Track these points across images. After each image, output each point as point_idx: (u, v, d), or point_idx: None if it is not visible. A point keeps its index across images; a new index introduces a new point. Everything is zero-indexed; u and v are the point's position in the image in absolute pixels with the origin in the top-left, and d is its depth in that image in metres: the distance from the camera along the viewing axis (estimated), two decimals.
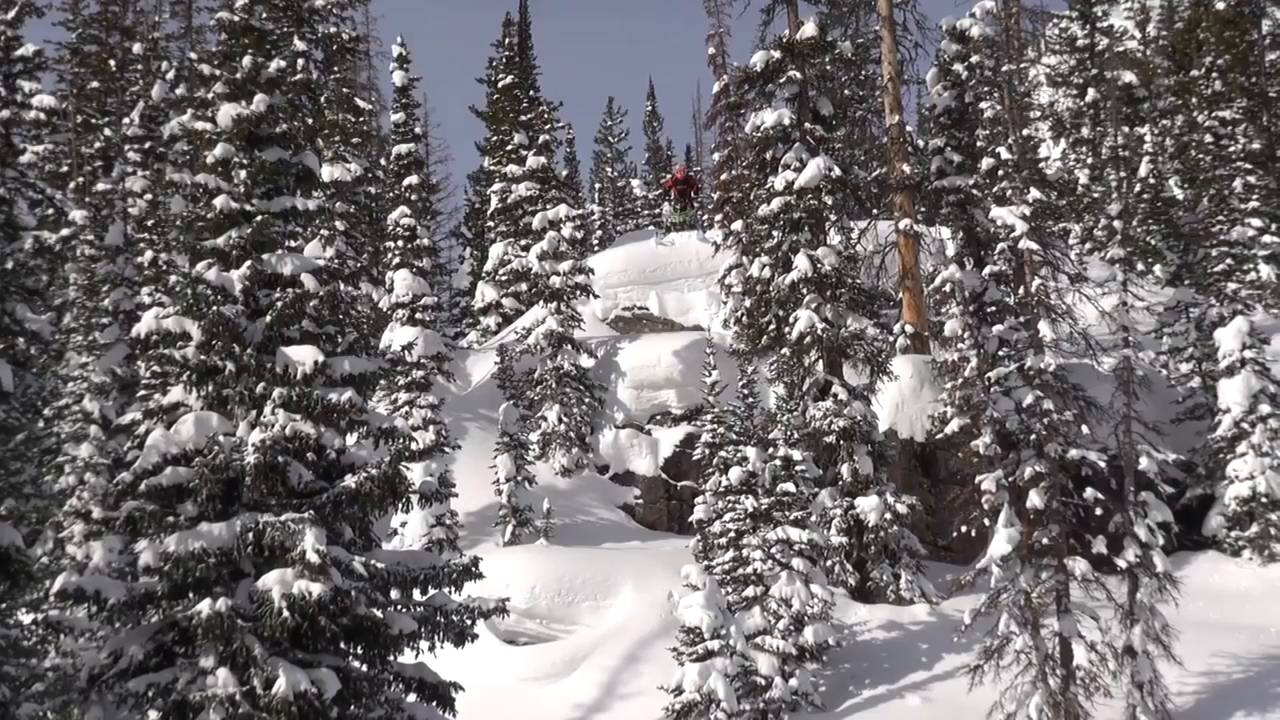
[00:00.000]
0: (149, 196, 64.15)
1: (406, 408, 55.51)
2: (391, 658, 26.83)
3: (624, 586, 49.91)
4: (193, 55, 68.51)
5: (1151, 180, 66.79)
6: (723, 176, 62.18)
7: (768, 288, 51.37)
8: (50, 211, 55.80)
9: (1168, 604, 39.14)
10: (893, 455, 51.57)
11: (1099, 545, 39.47)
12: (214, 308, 27.24)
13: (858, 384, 51.27)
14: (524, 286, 73.12)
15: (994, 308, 43.25)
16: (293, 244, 29.61)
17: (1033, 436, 40.24)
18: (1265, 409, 50.69)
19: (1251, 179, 58.54)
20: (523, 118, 79.72)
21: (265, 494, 25.79)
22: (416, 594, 26.96)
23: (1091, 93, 78.16)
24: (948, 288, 44.52)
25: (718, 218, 62.93)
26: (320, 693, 24.27)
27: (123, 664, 25.90)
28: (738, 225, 57.33)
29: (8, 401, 30.03)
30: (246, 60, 29.96)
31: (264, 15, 31.35)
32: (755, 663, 43.14)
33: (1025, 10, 78.57)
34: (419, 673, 26.77)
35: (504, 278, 76.30)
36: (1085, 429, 42.60)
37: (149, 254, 59.39)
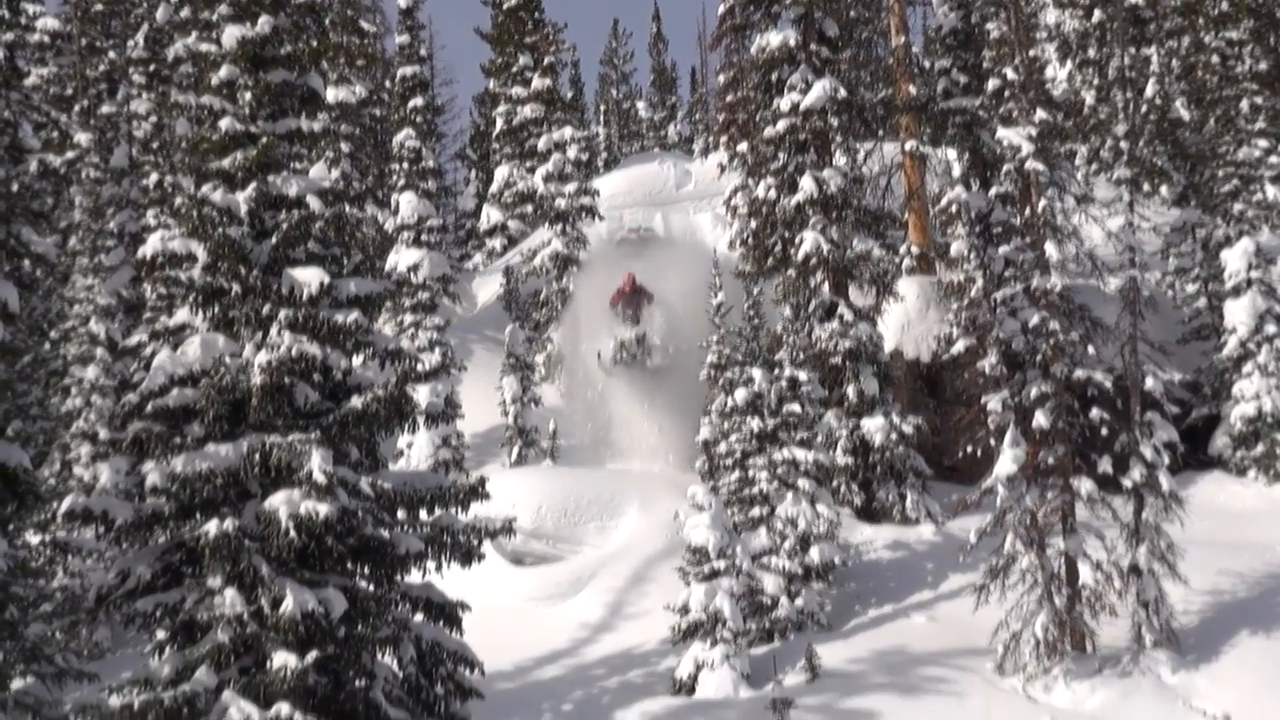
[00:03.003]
0: (154, 119, 64.11)
1: (412, 329, 55.52)
2: (399, 578, 26.91)
3: (630, 507, 50.06)
4: None
5: (1158, 101, 66.55)
6: (728, 98, 61.93)
7: (773, 209, 51.30)
8: (55, 134, 55.74)
9: (1173, 523, 39.20)
10: (898, 376, 51.62)
11: (1104, 465, 39.51)
12: (219, 229, 27.22)
13: (863, 305, 51.23)
14: (529, 209, 73.05)
15: (1000, 228, 43.11)
16: (298, 166, 29.57)
17: (1038, 357, 40.23)
18: (1271, 329, 50.67)
19: (1258, 100, 58.24)
20: (528, 40, 79.30)
21: (272, 415, 25.83)
22: (423, 514, 27.03)
23: (1098, 13, 77.74)
24: (954, 209, 44.40)
25: (723, 139, 62.70)
26: (327, 612, 24.37)
27: (130, 584, 25.99)
28: (743, 147, 57.10)
29: (14, 324, 30.06)
30: None
31: None
32: (761, 582, 43.32)
33: None
34: (426, 592, 26.87)
35: (509, 200, 76.14)
36: (1091, 349, 42.56)
37: (154, 176, 59.42)
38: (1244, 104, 58.28)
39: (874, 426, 48.51)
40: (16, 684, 29.58)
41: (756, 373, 45.57)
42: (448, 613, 26.75)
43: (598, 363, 55.62)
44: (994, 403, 40.31)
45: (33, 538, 33.28)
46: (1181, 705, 37.40)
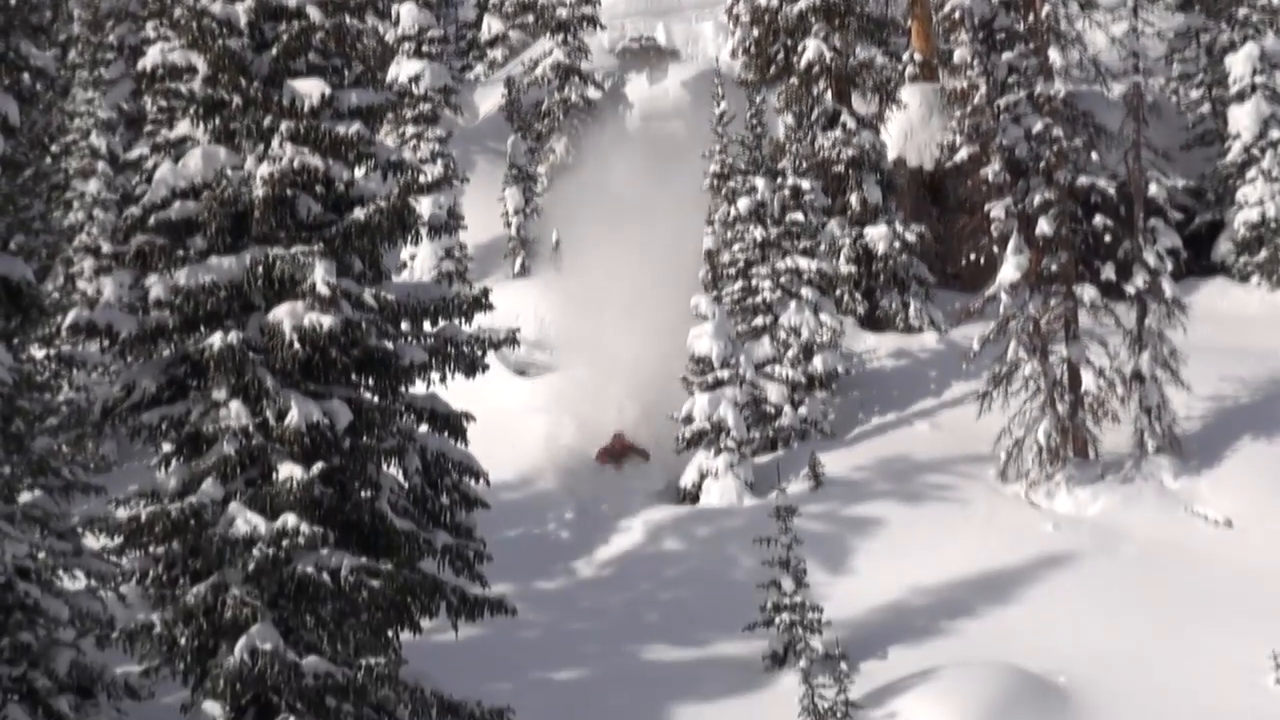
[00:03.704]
0: None
1: (414, 141, 55.22)
2: (403, 389, 26.97)
3: (634, 316, 50.11)
4: None
5: None
6: None
7: (775, 17, 50.90)
8: None
9: (1176, 329, 39.29)
10: (901, 184, 51.43)
11: (1108, 272, 39.56)
12: (219, 40, 26.96)
13: (866, 113, 51.00)
14: (530, 19, 72.28)
15: (1003, 34, 42.68)
16: None
17: (1042, 164, 40.10)
18: (1275, 134, 50.40)
19: None
20: None
21: (274, 227, 25.77)
22: (427, 325, 27.02)
23: None
24: (957, 15, 43.90)
25: None
26: (332, 423, 24.46)
27: (135, 397, 26.07)
28: None
29: (14, 138, 29.87)
30: None
31: None
32: (764, 391, 43.50)
33: None
34: (430, 403, 26.94)
35: (510, 10, 75.28)
36: (1094, 156, 42.44)
37: None
38: None
39: (877, 235, 48.42)
40: (24, 497, 29.73)
41: (759, 182, 45.46)
42: (452, 423, 26.84)
43: None
44: (997, 210, 40.23)
45: (38, 352, 33.28)
46: (1183, 510, 37.71)
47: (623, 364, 45.65)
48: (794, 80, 49.97)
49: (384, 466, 26.19)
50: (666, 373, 44.49)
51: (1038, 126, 39.79)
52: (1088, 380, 39.55)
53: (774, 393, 43.47)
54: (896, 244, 48.27)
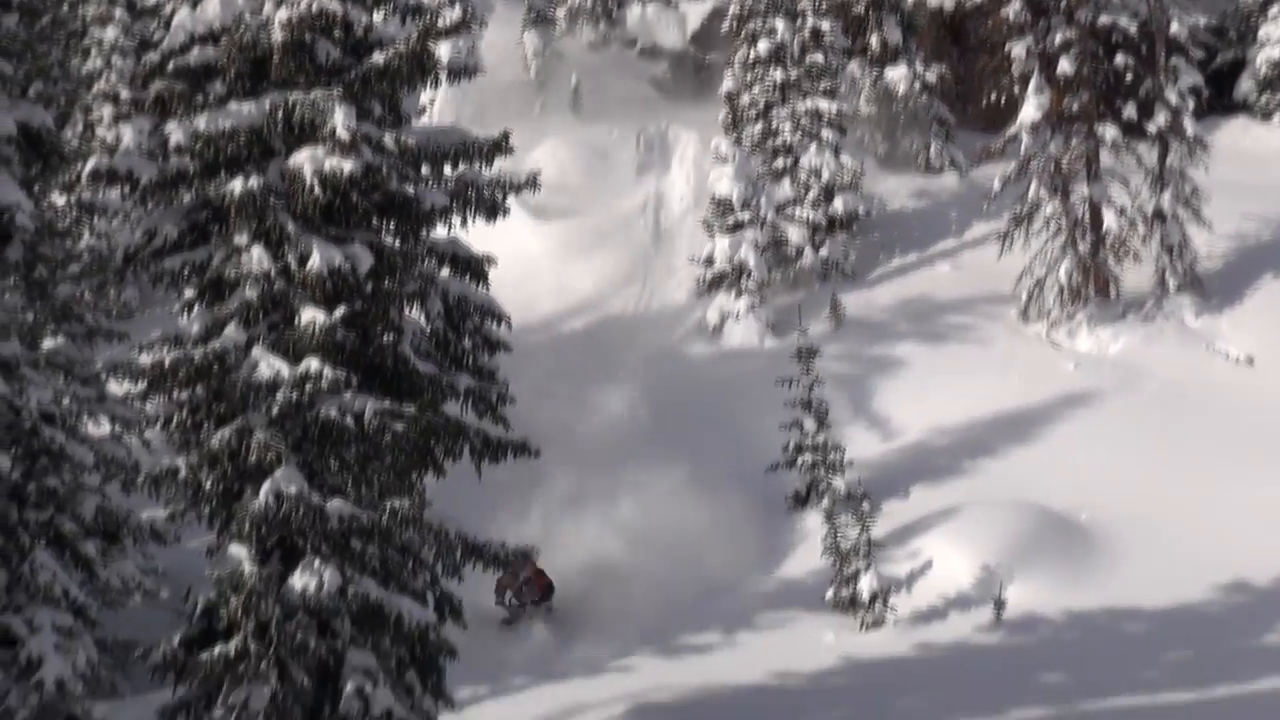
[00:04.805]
0: None
1: None
2: (424, 233, 26.88)
3: (652, 160, 50.03)
4: None
5: None
6: None
7: None
8: None
9: (1197, 168, 39.17)
10: (921, 24, 51.08)
11: (1129, 111, 39.36)
12: None
13: None
14: None
15: None
16: None
17: (1063, 2, 39.81)
18: None
19: None
20: None
21: (293, 72, 25.58)
22: (447, 169, 26.87)
23: None
24: None
25: None
26: (354, 268, 24.41)
27: (157, 243, 26.02)
28: None
29: None
30: None
31: None
32: (785, 233, 43.48)
33: None
34: (452, 247, 26.85)
35: None
36: None
37: None
38: None
39: (897, 75, 48.20)
40: (48, 343, 29.87)
41: (779, 23, 45.16)
42: (474, 267, 26.77)
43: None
44: (1018, 49, 40.01)
45: (58, 199, 33.34)
46: (1204, 348, 37.76)
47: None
48: None
49: (406, 310, 26.17)
50: None
51: None
52: (1109, 219, 39.48)
53: (795, 234, 43.45)
54: (917, 85, 48.07)
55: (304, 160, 24.33)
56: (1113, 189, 39.48)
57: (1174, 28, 39.14)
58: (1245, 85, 51.15)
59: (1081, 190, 39.64)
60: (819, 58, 44.33)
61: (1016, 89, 40.44)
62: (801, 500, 34.78)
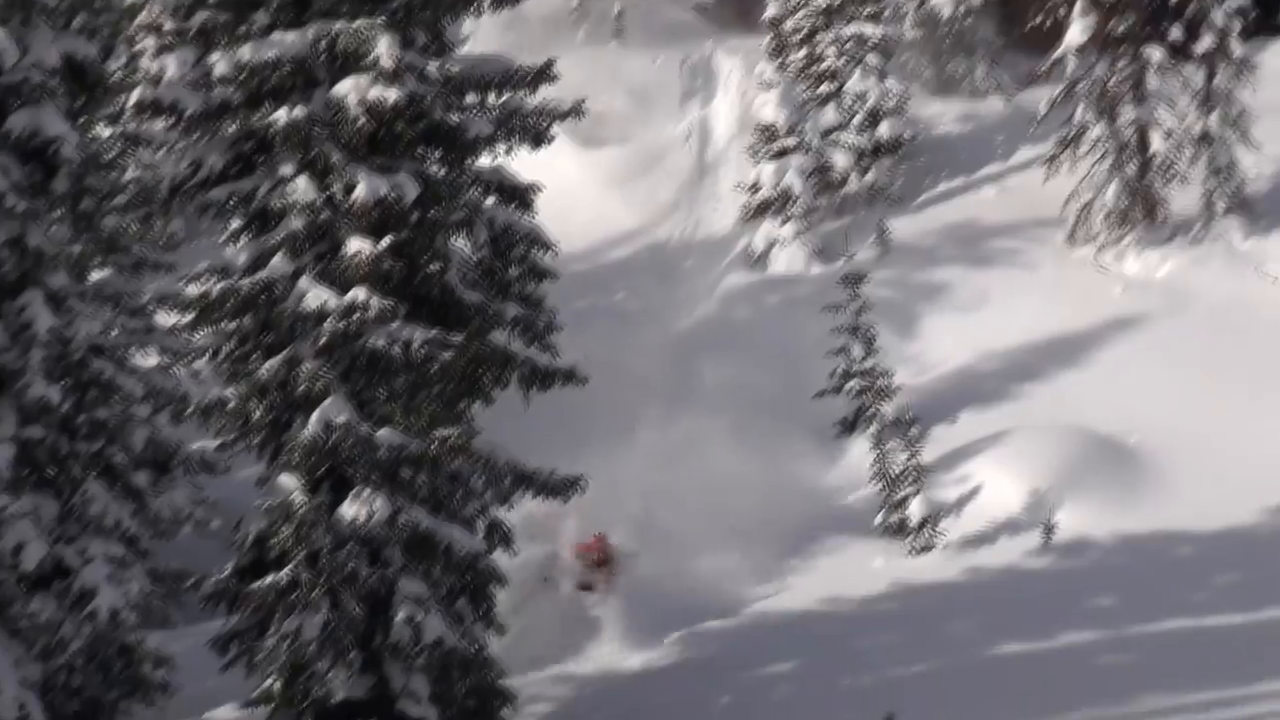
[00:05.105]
0: None
1: None
2: (469, 162, 26.88)
3: (696, 87, 49.96)
4: None
5: None
6: None
7: None
8: None
9: (1244, 90, 38.81)
10: None
11: (1175, 33, 39.01)
12: None
13: None
14: None
15: None
16: None
17: None
18: None
19: None
20: None
21: (336, 1, 25.59)
22: (492, 98, 26.88)
23: None
24: None
25: None
26: (400, 197, 24.39)
27: (203, 174, 26.03)
28: None
29: None
30: None
31: None
32: (830, 159, 43.29)
33: None
34: (497, 175, 26.83)
35: None
36: None
37: None
38: None
39: None
40: (95, 275, 29.96)
41: None
42: (519, 195, 26.74)
43: None
44: None
45: (104, 131, 33.35)
46: (1253, 271, 37.51)
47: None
48: None
49: (452, 239, 26.18)
50: None
51: None
52: (1156, 142, 39.22)
53: (840, 160, 43.28)
54: (962, 8, 47.75)
55: (348, 90, 24.32)
56: (1159, 111, 39.21)
57: None
58: None
59: (1128, 113, 39.38)
60: None
61: (1062, 11, 40.15)
62: (849, 427, 34.80)
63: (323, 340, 23.50)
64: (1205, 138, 38.68)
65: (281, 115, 24.32)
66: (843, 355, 33.76)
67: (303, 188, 24.38)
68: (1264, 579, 26.59)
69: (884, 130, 43.48)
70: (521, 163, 26.55)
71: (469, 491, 25.16)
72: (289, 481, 23.65)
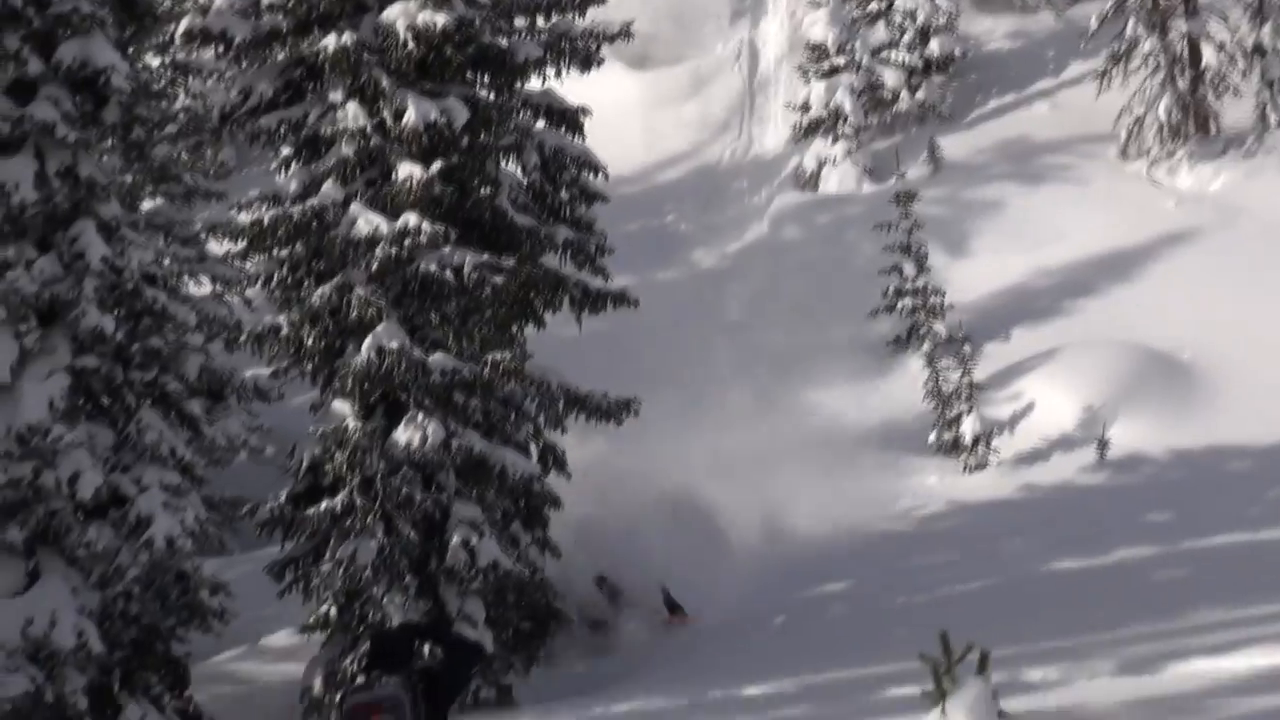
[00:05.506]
0: None
1: None
2: (518, 85, 26.88)
3: (745, 7, 49.74)
4: None
5: None
6: None
7: None
8: None
9: None
10: None
11: None
12: None
13: None
14: None
15: None
16: None
17: None
18: None
19: None
20: None
21: None
22: (541, 20, 26.87)
23: None
24: None
25: None
26: (450, 122, 24.43)
27: (253, 101, 26.08)
28: None
29: None
30: None
31: None
32: (881, 77, 43.13)
33: None
34: (546, 99, 26.83)
35: None
36: None
37: None
38: None
39: None
40: (147, 204, 30.11)
41: None
42: (569, 118, 26.74)
43: None
44: None
45: (153, 60, 33.41)
46: None
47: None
48: None
49: (502, 163, 26.21)
50: None
51: None
52: (1208, 55, 38.95)
53: (890, 78, 43.10)
54: None
55: (397, 14, 24.33)
56: (1211, 24, 38.93)
57: None
58: None
59: (1180, 26, 39.11)
60: None
61: None
62: (902, 344, 34.81)
63: (374, 266, 23.58)
64: (1258, 49, 38.40)
65: (330, 41, 24.34)
66: (895, 274, 33.77)
67: (352, 114, 24.43)
68: None
69: (934, 47, 43.27)
70: (571, 85, 26.52)
71: (522, 415, 25.26)
72: (342, 407, 23.79)
